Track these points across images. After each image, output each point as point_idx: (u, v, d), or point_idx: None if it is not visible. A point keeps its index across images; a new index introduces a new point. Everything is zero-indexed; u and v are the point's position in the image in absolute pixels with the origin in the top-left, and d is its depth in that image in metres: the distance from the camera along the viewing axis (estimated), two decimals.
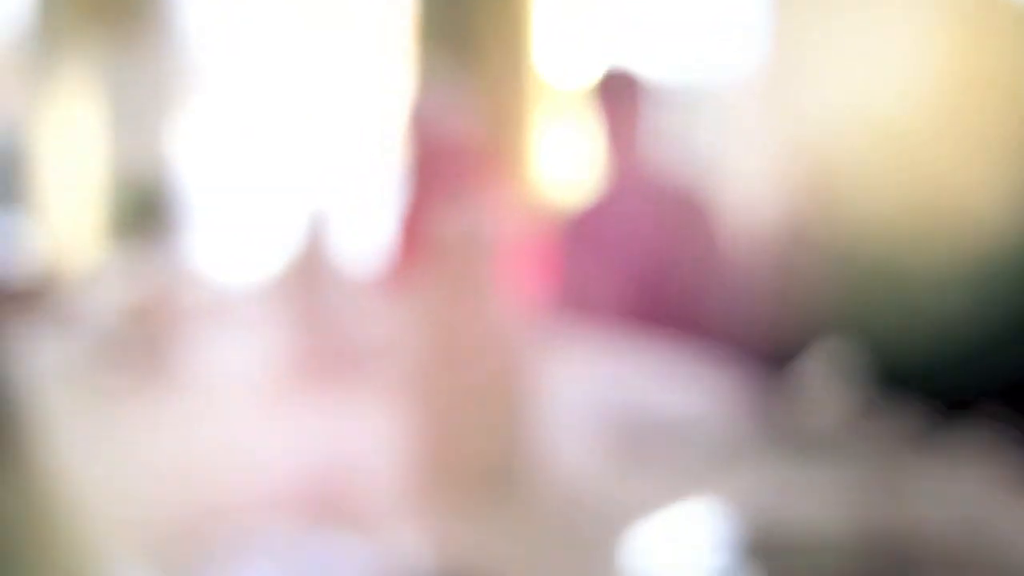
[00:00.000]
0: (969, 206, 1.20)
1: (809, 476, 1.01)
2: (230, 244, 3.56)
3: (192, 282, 2.39)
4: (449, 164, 2.33)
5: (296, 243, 1.97)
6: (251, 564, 0.80)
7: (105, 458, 1.12)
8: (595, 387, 1.31)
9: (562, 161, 2.91)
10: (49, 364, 1.57)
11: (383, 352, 1.40)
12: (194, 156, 4.11)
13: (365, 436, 1.10)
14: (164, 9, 4.24)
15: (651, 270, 1.79)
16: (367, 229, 2.43)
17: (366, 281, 1.70)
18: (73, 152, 3.98)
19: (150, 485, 1.02)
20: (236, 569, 0.80)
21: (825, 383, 1.20)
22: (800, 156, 1.97)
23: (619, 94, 2.00)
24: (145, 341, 1.76)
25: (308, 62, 4.18)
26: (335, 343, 1.46)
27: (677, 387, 1.31)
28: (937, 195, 1.25)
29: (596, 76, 2.08)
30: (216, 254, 3.31)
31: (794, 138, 2.28)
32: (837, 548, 0.87)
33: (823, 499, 0.95)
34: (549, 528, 0.89)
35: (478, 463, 0.95)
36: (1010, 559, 0.82)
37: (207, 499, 0.96)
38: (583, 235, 1.91)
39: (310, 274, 1.62)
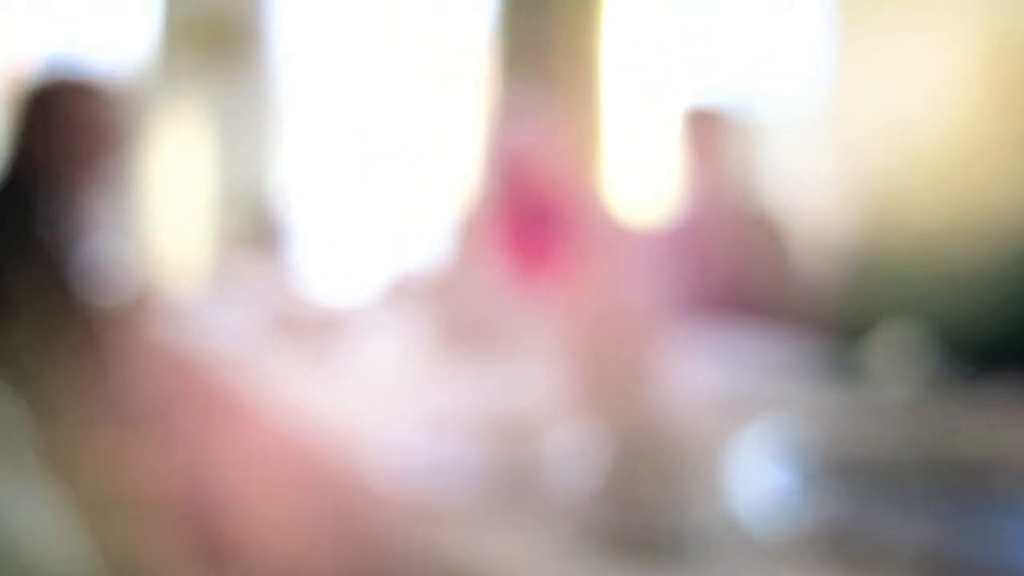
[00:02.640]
0: (1005, 213, 1.49)
1: (877, 422, 1.29)
2: (335, 257, 3.88)
3: (316, 292, 2.68)
4: (534, 183, 2.64)
5: (433, 252, 2.28)
6: None
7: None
8: (701, 366, 1.59)
9: (641, 181, 3.20)
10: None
11: (518, 331, 1.71)
12: (296, 176, 4.47)
13: (526, 391, 1.40)
14: (264, 45, 4.62)
15: (734, 278, 2.08)
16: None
17: (491, 280, 2.00)
18: (187, 175, 4.36)
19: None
20: None
21: (892, 358, 1.48)
22: (860, 176, 2.25)
23: (705, 129, 2.29)
24: (295, 341, 2.05)
25: (395, 85, 4.52)
26: (479, 327, 1.77)
27: (763, 364, 1.60)
28: (978, 205, 1.54)
29: (684, 111, 2.38)
30: (324, 267, 3.62)
31: (855, 161, 2.56)
32: (903, 466, 1.13)
33: (890, 434, 1.22)
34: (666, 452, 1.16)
35: (623, 416, 1.24)
36: None
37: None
38: (672, 248, 2.20)
39: (457, 275, 1.93)
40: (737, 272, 2.09)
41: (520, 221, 2.52)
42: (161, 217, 4.32)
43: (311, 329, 2.09)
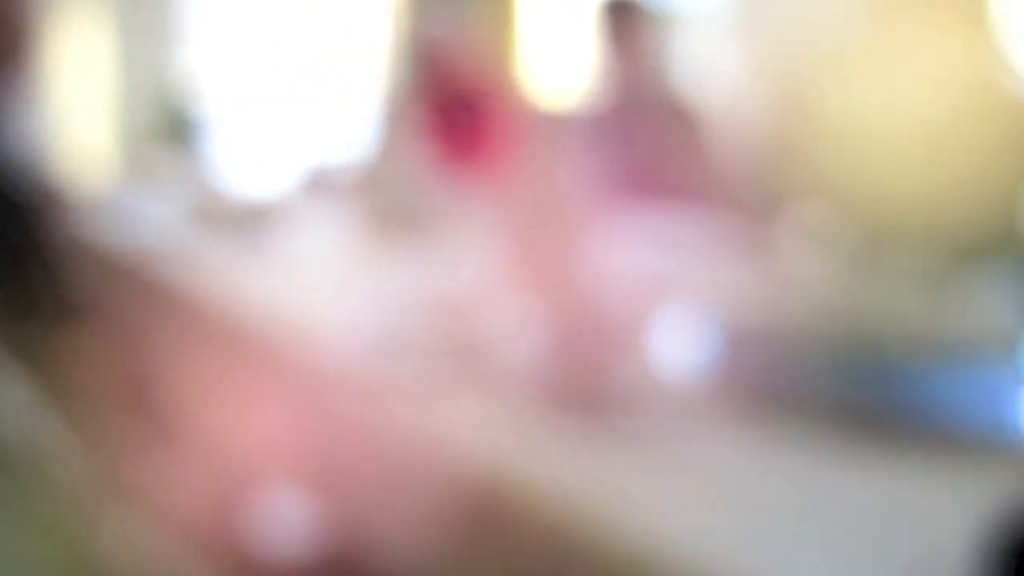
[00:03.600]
0: (908, 99, 1.59)
1: (789, 294, 1.39)
2: (253, 149, 3.85)
3: (235, 185, 2.68)
4: (457, 71, 2.66)
5: (356, 142, 2.30)
6: None
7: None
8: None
9: (562, 72, 3.24)
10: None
11: (448, 217, 1.77)
12: (209, 68, 4.39)
13: (461, 274, 1.47)
14: None
15: (654, 164, 2.17)
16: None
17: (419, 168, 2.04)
18: (95, 71, 4.24)
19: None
20: None
21: (803, 235, 1.59)
22: (773, 63, 2.33)
23: (622, 20, 2.34)
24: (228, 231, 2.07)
25: None
26: (409, 214, 1.82)
27: (683, 243, 1.69)
28: (881, 91, 1.64)
29: (600, 3, 2.42)
30: (242, 159, 3.59)
31: (768, 49, 2.64)
32: (812, 335, 1.24)
33: (801, 305, 1.32)
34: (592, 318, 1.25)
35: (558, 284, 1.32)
36: (944, 339, 1.20)
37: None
38: (593, 135, 2.27)
39: (383, 164, 1.97)
40: (656, 157, 2.18)
41: (444, 110, 2.55)
42: (72, 114, 4.22)
43: (235, 221, 2.10)
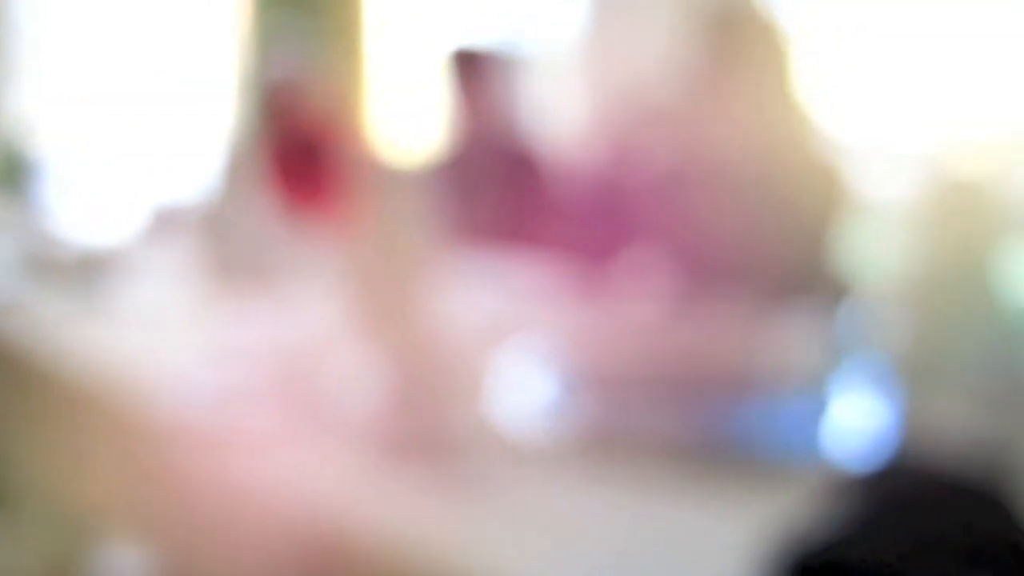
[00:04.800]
0: (733, 152, 1.71)
1: (626, 336, 1.46)
2: (91, 194, 3.73)
3: (72, 231, 2.60)
4: (300, 116, 2.67)
5: (198, 186, 2.27)
6: None
7: None
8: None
9: (408, 122, 3.28)
10: None
11: (291, 263, 1.78)
12: (42, 111, 4.24)
13: (305, 321, 1.48)
14: None
15: (497, 209, 2.23)
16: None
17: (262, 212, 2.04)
18: None
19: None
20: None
21: (638, 278, 1.66)
22: (608, 109, 2.43)
23: (468, 70, 2.40)
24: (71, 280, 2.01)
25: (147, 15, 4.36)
26: (252, 260, 1.82)
27: (525, 287, 1.75)
28: (709, 143, 1.75)
29: (447, 53, 2.47)
30: (78, 205, 3.49)
31: (604, 94, 2.76)
32: (650, 373, 1.30)
33: (637, 346, 1.39)
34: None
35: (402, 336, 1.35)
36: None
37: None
38: (439, 183, 2.31)
39: (225, 209, 1.96)
40: (499, 203, 2.24)
41: (288, 155, 2.55)
42: None
43: (71, 269, 2.05)
